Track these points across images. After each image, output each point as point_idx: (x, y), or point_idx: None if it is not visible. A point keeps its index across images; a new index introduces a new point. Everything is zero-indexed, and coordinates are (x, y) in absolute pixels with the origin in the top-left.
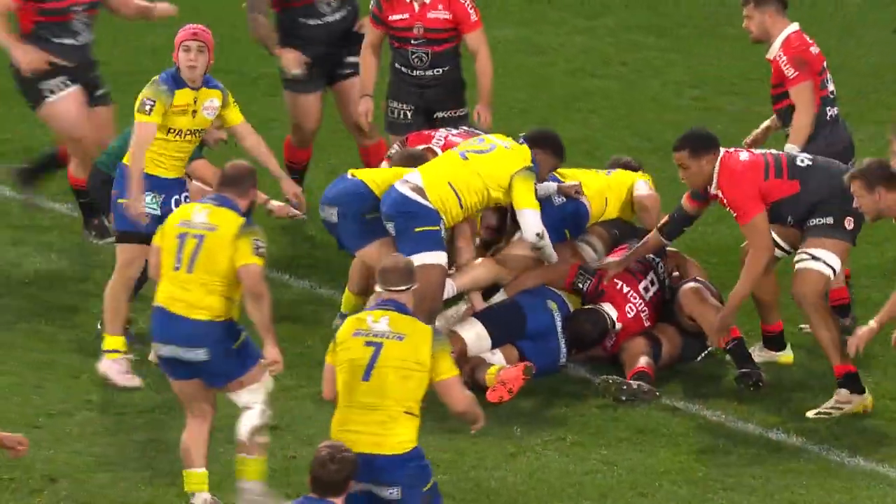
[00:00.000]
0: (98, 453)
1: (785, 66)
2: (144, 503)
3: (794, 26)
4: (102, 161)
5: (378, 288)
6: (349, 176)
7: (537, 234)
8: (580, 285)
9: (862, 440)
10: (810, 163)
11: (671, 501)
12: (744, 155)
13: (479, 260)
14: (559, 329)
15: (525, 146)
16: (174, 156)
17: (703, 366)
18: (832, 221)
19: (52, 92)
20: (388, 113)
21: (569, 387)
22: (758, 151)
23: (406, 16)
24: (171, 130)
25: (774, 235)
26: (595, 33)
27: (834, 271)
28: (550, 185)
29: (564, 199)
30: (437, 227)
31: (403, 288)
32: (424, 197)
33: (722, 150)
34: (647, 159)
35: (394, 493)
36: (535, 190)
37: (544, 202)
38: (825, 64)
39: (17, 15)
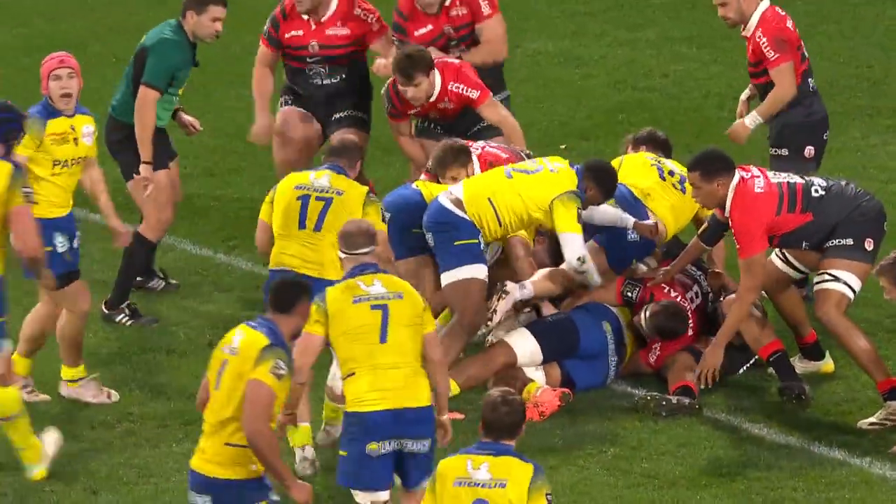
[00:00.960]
0: (140, 465)
1: (765, 47)
2: None
3: (767, 2)
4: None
5: (343, 254)
6: (412, 185)
7: (578, 259)
8: (629, 294)
9: None
10: (824, 192)
11: None
12: (760, 183)
13: (548, 270)
14: (611, 351)
15: (573, 172)
16: (65, 189)
17: (745, 378)
18: (852, 242)
19: None
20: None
21: (611, 400)
22: (774, 180)
23: (430, 27)
24: (57, 163)
25: (790, 257)
26: (636, 45)
27: (854, 292)
28: (627, 219)
29: (638, 238)
30: (476, 241)
31: (368, 250)
32: (462, 209)
33: (738, 173)
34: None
35: (425, 446)
36: (580, 215)
37: (617, 232)
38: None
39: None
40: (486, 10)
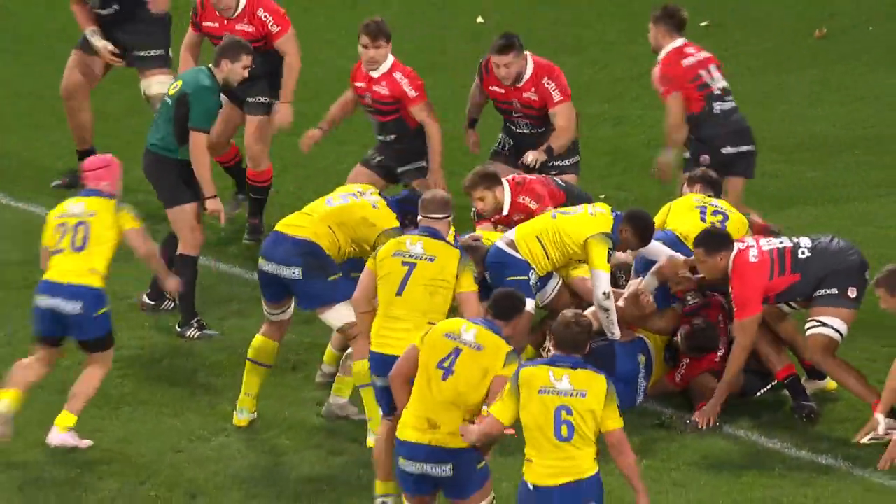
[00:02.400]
0: (232, 474)
1: (656, 81)
2: None
3: (678, 42)
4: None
5: (419, 217)
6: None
7: (604, 294)
8: (688, 298)
9: None
10: (810, 254)
11: None
12: (754, 253)
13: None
14: (641, 381)
15: (611, 218)
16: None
17: (762, 397)
18: (836, 292)
19: None
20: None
21: (641, 419)
22: (766, 248)
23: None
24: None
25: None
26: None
27: (841, 335)
28: (676, 257)
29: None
30: (526, 277)
31: (441, 216)
32: (515, 249)
33: (736, 245)
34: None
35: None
36: (610, 255)
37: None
38: (712, 66)
39: None
40: (556, 97)
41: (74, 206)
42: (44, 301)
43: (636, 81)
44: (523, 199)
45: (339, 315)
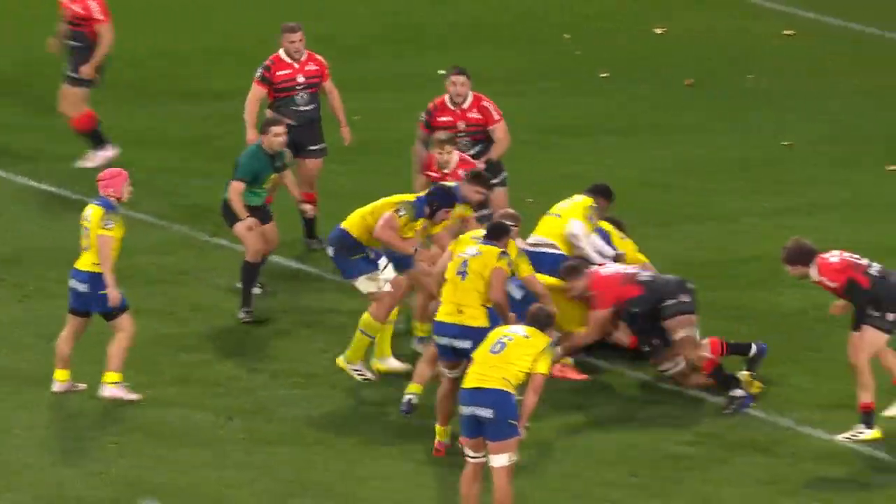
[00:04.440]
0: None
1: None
2: None
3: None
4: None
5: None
6: None
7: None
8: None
9: None
10: (649, 278)
11: None
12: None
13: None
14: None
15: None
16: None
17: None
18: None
19: None
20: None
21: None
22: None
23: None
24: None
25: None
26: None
27: None
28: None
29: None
30: None
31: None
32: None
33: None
34: None
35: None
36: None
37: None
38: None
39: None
40: (495, 115)
41: (85, 211)
42: (69, 283)
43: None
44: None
45: (362, 286)
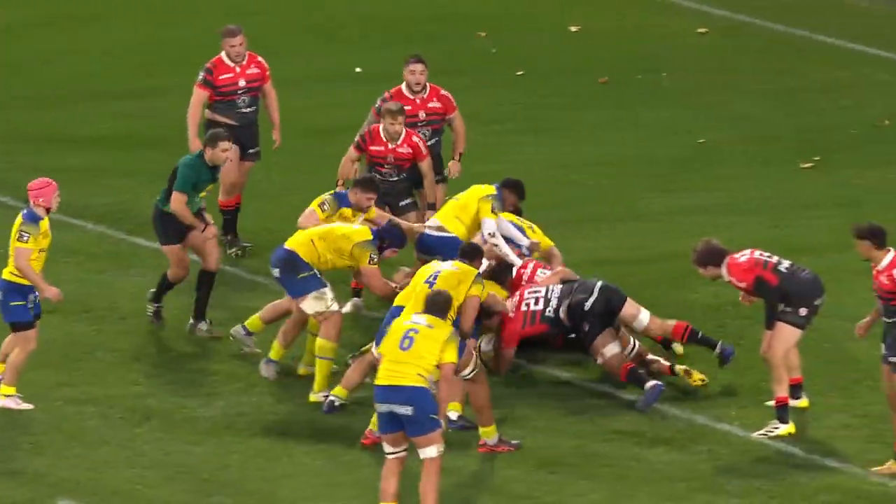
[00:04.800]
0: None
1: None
2: None
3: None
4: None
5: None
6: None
7: (489, 234)
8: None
9: None
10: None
11: None
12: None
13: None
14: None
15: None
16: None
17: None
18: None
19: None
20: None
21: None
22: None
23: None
24: (42, 251)
25: None
26: None
27: None
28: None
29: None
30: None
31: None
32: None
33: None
34: None
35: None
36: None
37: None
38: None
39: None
40: (453, 103)
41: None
42: None
43: None
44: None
45: (309, 306)
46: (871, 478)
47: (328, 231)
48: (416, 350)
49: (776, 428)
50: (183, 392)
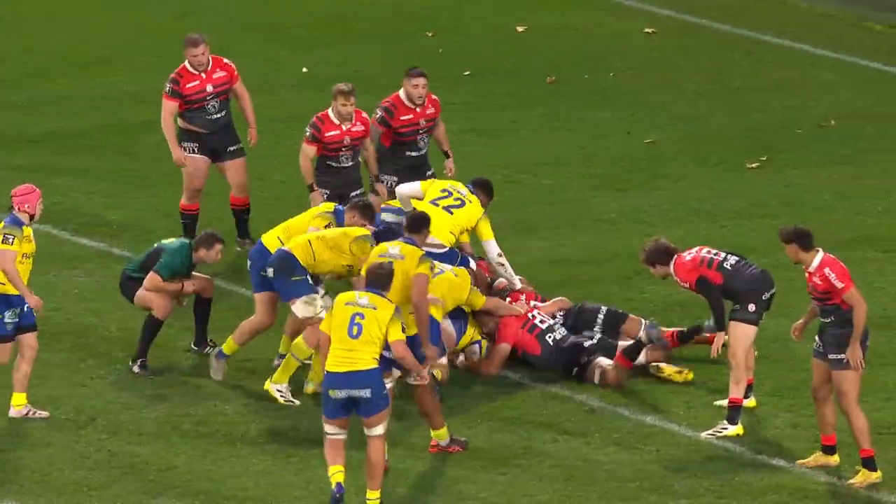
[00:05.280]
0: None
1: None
2: None
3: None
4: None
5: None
6: None
7: (498, 254)
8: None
9: None
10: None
11: None
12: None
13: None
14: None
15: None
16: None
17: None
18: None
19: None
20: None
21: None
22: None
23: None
24: (26, 256)
25: None
26: None
27: None
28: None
29: None
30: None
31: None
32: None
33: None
34: None
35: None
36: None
37: None
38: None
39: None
40: (439, 108)
41: None
42: None
43: None
44: None
45: (299, 310)
46: (819, 477)
47: (325, 231)
48: (365, 336)
49: (725, 429)
50: (129, 393)
